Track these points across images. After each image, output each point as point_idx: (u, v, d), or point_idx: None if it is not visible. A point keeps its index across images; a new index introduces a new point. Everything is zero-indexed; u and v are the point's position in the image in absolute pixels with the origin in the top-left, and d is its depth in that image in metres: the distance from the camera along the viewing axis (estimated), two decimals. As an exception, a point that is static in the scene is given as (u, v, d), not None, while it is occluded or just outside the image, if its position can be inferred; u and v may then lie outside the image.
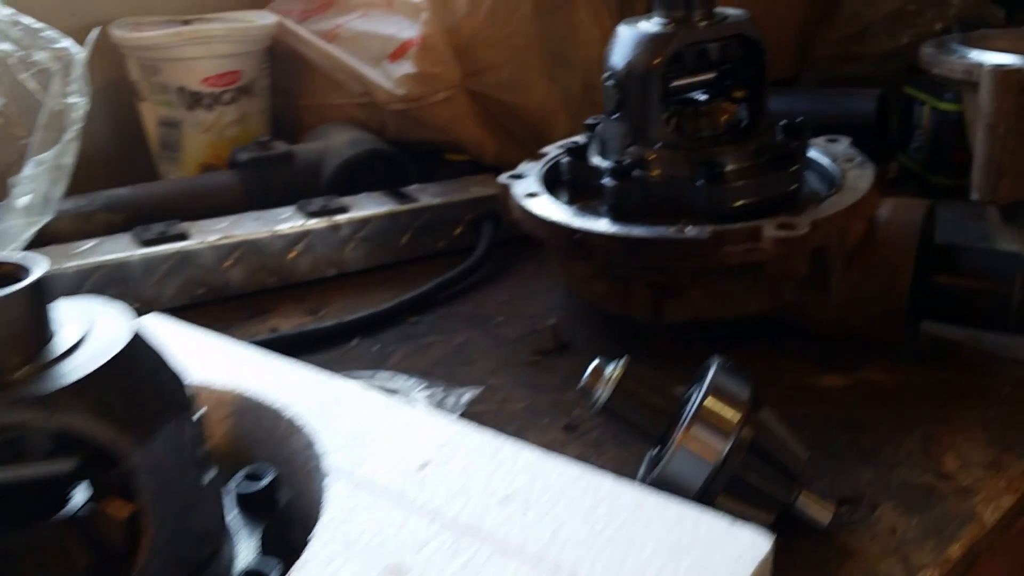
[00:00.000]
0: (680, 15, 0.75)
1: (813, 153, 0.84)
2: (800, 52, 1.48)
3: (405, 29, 1.03)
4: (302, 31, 1.12)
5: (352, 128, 1.09)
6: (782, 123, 0.82)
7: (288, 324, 0.85)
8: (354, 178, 1.02)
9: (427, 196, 0.99)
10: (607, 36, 1.20)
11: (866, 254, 0.73)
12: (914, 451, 0.65)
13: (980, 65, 0.86)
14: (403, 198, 0.99)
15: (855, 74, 1.57)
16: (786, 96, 1.21)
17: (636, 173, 0.76)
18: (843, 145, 0.85)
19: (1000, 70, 0.84)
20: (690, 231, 0.70)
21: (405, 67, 1.02)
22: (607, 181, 0.75)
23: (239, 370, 0.56)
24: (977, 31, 1.05)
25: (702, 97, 0.80)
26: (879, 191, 0.77)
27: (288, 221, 0.92)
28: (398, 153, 1.06)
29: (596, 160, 0.80)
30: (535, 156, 0.89)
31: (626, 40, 0.76)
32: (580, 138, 0.87)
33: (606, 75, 0.78)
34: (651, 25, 0.76)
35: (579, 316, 0.85)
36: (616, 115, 0.77)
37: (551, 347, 0.80)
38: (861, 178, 0.77)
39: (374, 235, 0.95)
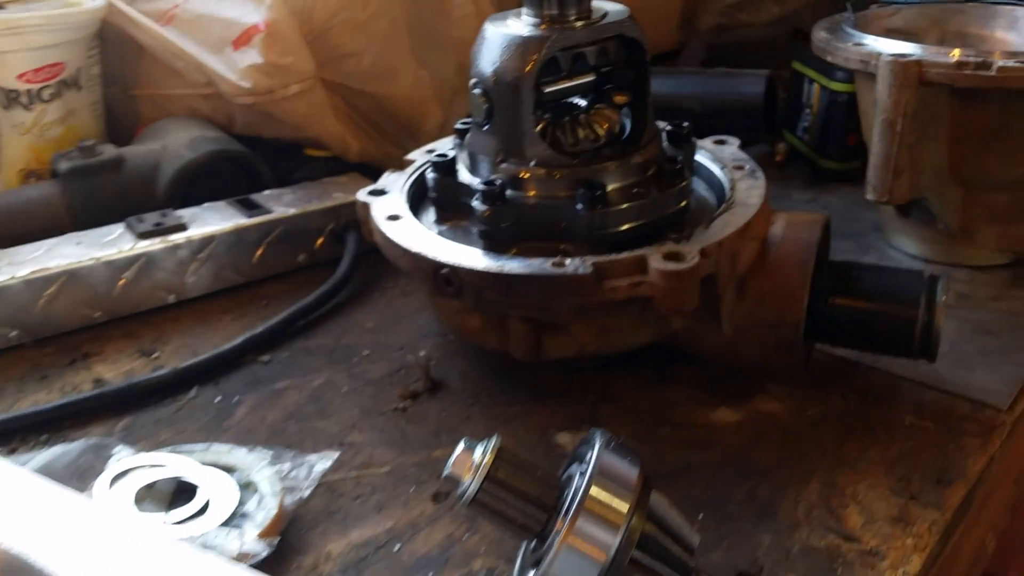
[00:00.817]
0: (553, 13, 0.66)
1: (701, 157, 0.77)
2: (685, 22, 1.41)
3: (250, 12, 0.91)
4: (134, 13, 0.98)
5: (194, 124, 0.96)
6: (667, 128, 0.75)
7: (115, 372, 0.74)
8: (196, 186, 0.90)
9: (281, 205, 0.88)
10: (484, 11, 1.11)
11: (759, 279, 0.67)
12: (815, 504, 0.60)
13: (877, 55, 0.80)
14: (253, 208, 0.88)
15: (742, 40, 1.52)
16: (672, 78, 1.14)
17: (510, 194, 0.67)
18: (731, 148, 0.79)
19: (899, 62, 0.78)
20: (570, 265, 0.62)
21: (251, 56, 0.90)
22: (477, 205, 0.66)
23: None
24: (871, 8, 0.99)
25: (581, 103, 0.72)
26: (770, 206, 0.71)
27: (115, 244, 0.80)
28: (247, 154, 0.94)
29: (466, 177, 0.71)
30: (401, 163, 0.80)
31: (494, 43, 0.66)
32: (449, 146, 0.78)
33: (472, 81, 0.69)
34: (521, 26, 0.67)
35: (453, 346, 0.77)
36: (486, 126, 0.68)
37: (421, 388, 0.71)
38: (752, 190, 0.71)
39: (219, 255, 0.84)
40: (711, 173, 0.76)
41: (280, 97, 0.91)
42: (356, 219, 0.88)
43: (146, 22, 0.97)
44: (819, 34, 0.90)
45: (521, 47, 0.65)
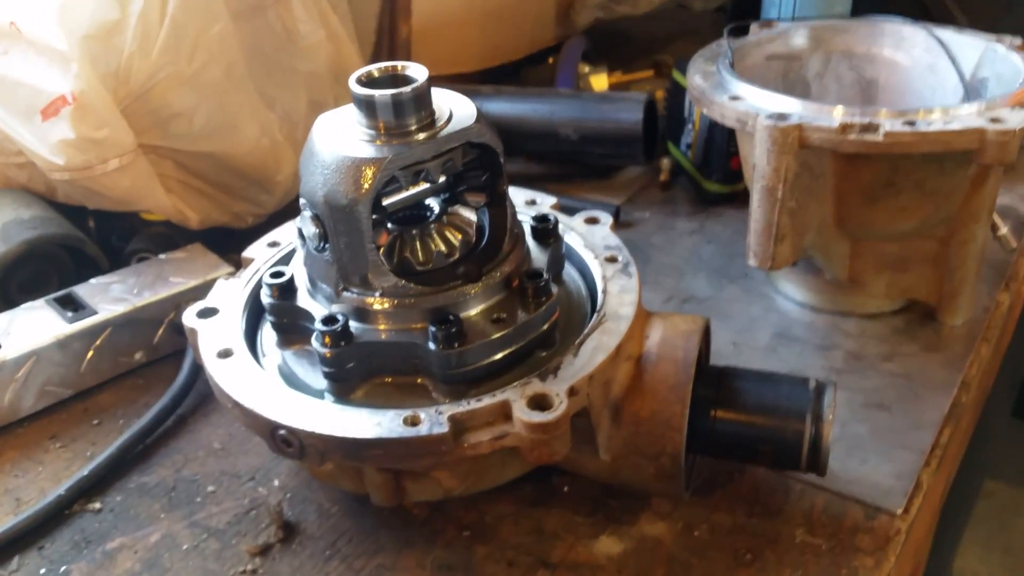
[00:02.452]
0: (390, 123, 0.57)
1: (571, 240, 0.71)
2: (562, 15, 1.32)
3: (56, 80, 0.78)
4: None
5: (8, 202, 0.84)
6: (531, 225, 0.67)
7: (-81, 541, 0.65)
8: (15, 279, 0.79)
9: (109, 301, 0.78)
10: (337, 40, 1.00)
11: (635, 404, 0.61)
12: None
13: (755, 115, 0.74)
14: (77, 309, 0.77)
15: (621, 29, 1.44)
16: (547, 102, 1.07)
17: (355, 328, 0.59)
18: (603, 230, 0.72)
19: (778, 127, 0.71)
20: (424, 423, 0.55)
21: (62, 129, 0.79)
22: (318, 346, 0.58)
23: None
24: (750, 35, 0.92)
25: (432, 205, 0.64)
26: (645, 315, 0.65)
27: (-89, 379, 0.70)
28: (71, 236, 0.83)
29: (306, 301, 0.63)
30: (240, 260, 0.71)
31: (322, 161, 0.57)
32: (288, 258, 0.69)
33: (302, 201, 0.60)
34: (354, 140, 0.57)
35: (309, 478, 0.69)
36: (322, 252, 0.60)
37: (272, 539, 0.64)
38: (625, 295, 0.64)
39: (40, 372, 0.74)
40: (583, 262, 0.69)
41: (99, 172, 0.80)
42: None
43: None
44: (695, 79, 0.83)
45: (353, 169, 0.56)
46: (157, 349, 0.81)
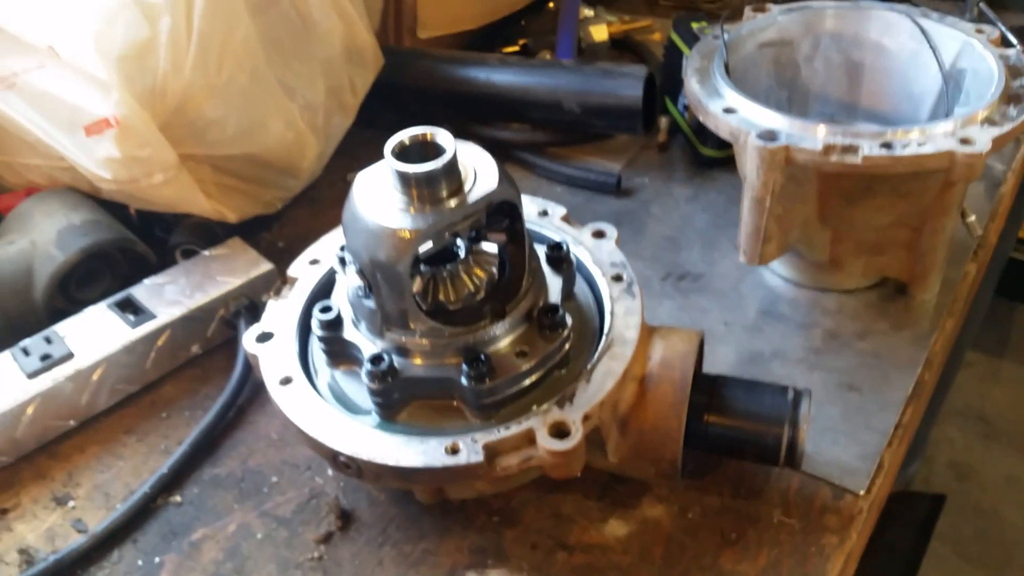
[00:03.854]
0: (424, 193, 0.65)
1: (580, 253, 0.79)
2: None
3: (97, 102, 0.84)
4: (-33, 80, 0.90)
5: (59, 206, 0.92)
6: (547, 249, 0.76)
7: (36, 532, 0.76)
8: (73, 281, 0.88)
9: (165, 304, 0.87)
10: (349, 20, 1.05)
11: (638, 418, 0.71)
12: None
13: (747, 133, 0.81)
14: (136, 312, 0.86)
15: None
16: (551, 74, 1.12)
17: (398, 363, 0.69)
18: (609, 244, 0.80)
19: (767, 148, 0.79)
20: (463, 453, 0.65)
21: (107, 147, 0.85)
22: (367, 381, 0.68)
23: None
24: (744, 23, 0.97)
25: (459, 245, 0.72)
26: (647, 333, 0.74)
27: (9, 390, 0.79)
28: (123, 239, 0.91)
29: (352, 334, 0.72)
30: (284, 279, 0.79)
31: (365, 228, 0.65)
32: (328, 279, 0.78)
33: (349, 256, 0.68)
34: (391, 207, 0.65)
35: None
36: (368, 298, 0.69)
37: (334, 527, 0.76)
38: (630, 317, 0.73)
39: (111, 373, 0.84)
40: (591, 276, 0.78)
41: (145, 185, 0.87)
42: (246, 305, 0.89)
43: (-16, 93, 0.90)
44: (691, 83, 0.89)
45: (393, 237, 0.64)
46: (210, 341, 0.90)
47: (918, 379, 0.86)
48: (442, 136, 0.67)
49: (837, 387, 0.86)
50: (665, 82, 1.17)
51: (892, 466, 0.81)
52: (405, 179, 0.65)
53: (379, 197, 0.66)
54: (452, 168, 0.65)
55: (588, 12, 1.33)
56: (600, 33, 1.28)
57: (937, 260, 0.90)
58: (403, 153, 0.66)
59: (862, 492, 0.77)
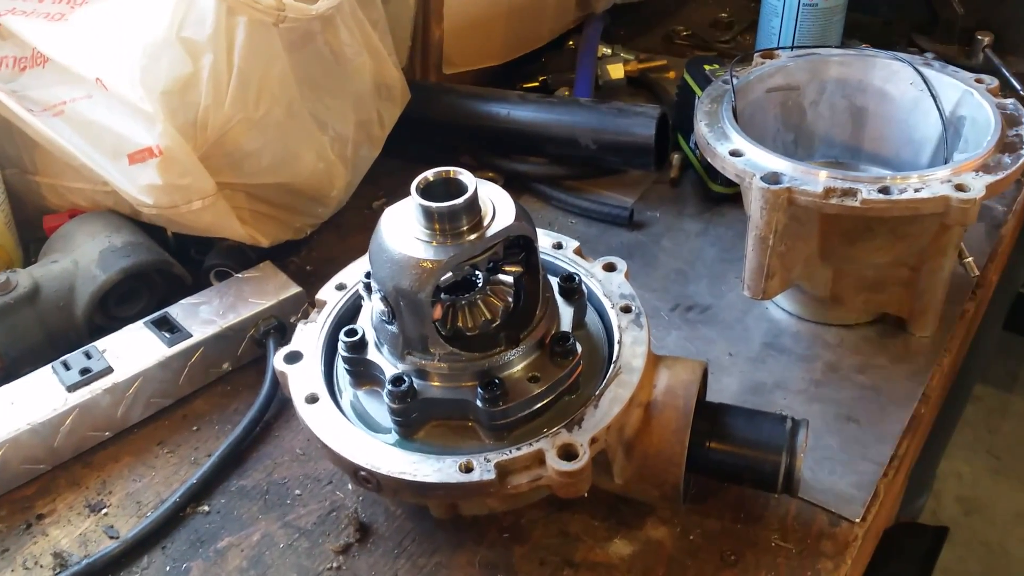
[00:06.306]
0: (446, 228, 0.70)
1: (590, 283, 0.84)
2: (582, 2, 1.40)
3: (141, 132, 0.90)
4: (16, 107, 0.96)
5: (102, 228, 0.97)
6: (560, 281, 0.80)
7: (70, 537, 0.81)
8: (112, 299, 0.93)
9: (199, 323, 0.92)
10: (379, 57, 1.11)
11: (643, 443, 0.75)
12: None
13: (752, 175, 0.85)
14: (172, 332, 0.91)
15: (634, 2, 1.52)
16: (568, 111, 1.17)
17: (417, 384, 0.73)
18: (619, 277, 0.84)
19: (771, 190, 0.83)
20: (476, 471, 0.69)
21: (149, 175, 0.91)
22: (388, 401, 0.72)
23: None
24: (752, 70, 1.02)
25: (477, 275, 0.77)
26: (653, 362, 0.78)
27: (48, 401, 0.84)
28: (161, 261, 0.96)
29: (374, 356, 0.77)
30: (312, 302, 0.84)
31: (391, 259, 0.70)
32: (354, 303, 0.82)
33: (374, 284, 0.73)
34: (414, 240, 0.70)
35: (376, 483, 0.84)
36: (391, 324, 0.73)
37: (352, 539, 0.80)
38: (636, 347, 0.78)
39: (147, 388, 0.89)
40: (601, 306, 0.83)
41: (184, 211, 0.93)
42: (275, 325, 0.94)
43: (31, 120, 0.95)
44: (701, 127, 0.94)
45: (417, 268, 0.69)
46: (241, 358, 0.95)
47: (914, 413, 0.90)
48: (464, 175, 0.72)
49: (836, 418, 0.89)
50: (678, 120, 1.22)
51: (888, 496, 0.85)
52: (429, 214, 0.70)
53: (404, 230, 0.71)
54: (473, 205, 0.70)
55: (606, 50, 1.39)
56: (617, 71, 1.33)
57: (935, 298, 0.94)
58: (427, 190, 0.71)
59: (857, 520, 0.80)
